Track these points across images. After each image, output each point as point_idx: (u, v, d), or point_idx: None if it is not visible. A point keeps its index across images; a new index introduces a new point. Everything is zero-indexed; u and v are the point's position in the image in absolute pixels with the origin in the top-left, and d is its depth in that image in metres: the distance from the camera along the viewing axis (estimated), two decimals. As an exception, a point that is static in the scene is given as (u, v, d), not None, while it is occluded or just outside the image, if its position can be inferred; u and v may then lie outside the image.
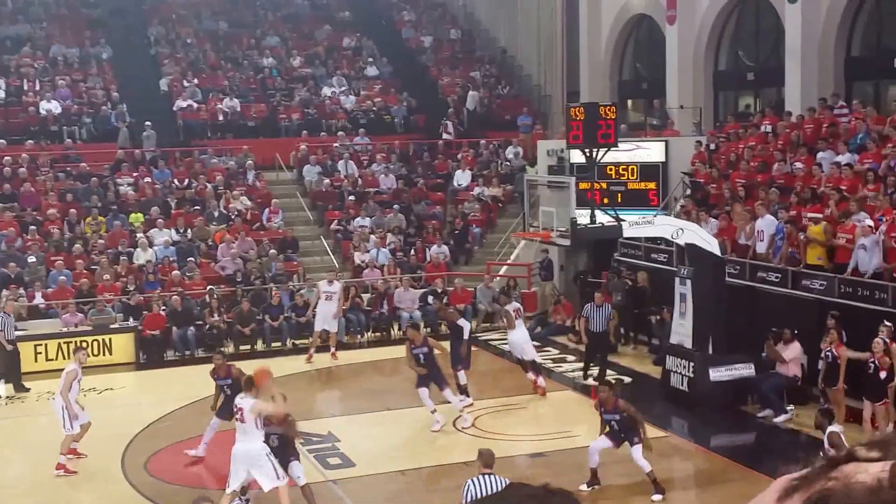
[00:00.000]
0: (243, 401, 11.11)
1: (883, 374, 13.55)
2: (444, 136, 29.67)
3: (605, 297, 18.38)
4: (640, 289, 19.99)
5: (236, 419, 11.19)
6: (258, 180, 26.79)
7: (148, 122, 27.72)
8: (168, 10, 34.54)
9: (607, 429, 12.19)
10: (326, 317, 19.73)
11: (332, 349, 19.66)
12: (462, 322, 16.77)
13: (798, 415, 14.73)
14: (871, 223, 15.52)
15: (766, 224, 17.45)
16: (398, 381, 17.04)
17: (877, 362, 13.58)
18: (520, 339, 16.90)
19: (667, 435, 14.85)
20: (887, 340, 13.64)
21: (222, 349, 19.40)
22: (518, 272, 23.61)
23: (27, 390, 17.86)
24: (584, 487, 11.90)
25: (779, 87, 23.27)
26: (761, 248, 17.40)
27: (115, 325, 20.39)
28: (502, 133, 29.78)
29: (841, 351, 14.18)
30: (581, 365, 18.38)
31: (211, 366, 13.88)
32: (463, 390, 15.81)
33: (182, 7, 34.88)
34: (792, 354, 15.10)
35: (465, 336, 16.37)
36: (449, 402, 15.05)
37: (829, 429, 10.90)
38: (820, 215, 16.50)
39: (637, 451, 11.95)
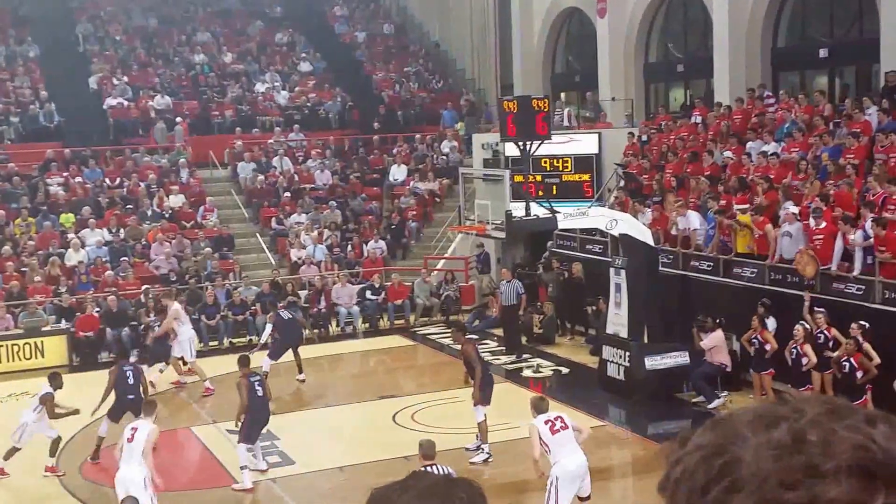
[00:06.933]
0: (142, 423, 10.65)
1: (804, 361, 13.90)
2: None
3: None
4: (576, 280, 20.17)
5: (127, 440, 10.54)
6: (192, 178, 26.45)
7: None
8: (96, 7, 33.88)
9: None
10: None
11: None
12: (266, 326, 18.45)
13: (732, 401, 15.01)
14: (796, 211, 15.88)
15: (691, 220, 17.69)
16: (336, 377, 17.00)
17: (798, 349, 13.92)
18: None
19: (604, 424, 15.04)
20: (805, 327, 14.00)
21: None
22: (455, 266, 23.70)
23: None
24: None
25: (708, 79, 23.63)
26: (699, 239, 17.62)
27: (47, 328, 20.04)
28: (436, 127, 29.78)
29: (766, 336, 14.49)
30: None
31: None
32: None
33: (110, 4, 34.25)
34: (712, 343, 15.28)
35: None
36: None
37: None
38: (747, 205, 16.81)
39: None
